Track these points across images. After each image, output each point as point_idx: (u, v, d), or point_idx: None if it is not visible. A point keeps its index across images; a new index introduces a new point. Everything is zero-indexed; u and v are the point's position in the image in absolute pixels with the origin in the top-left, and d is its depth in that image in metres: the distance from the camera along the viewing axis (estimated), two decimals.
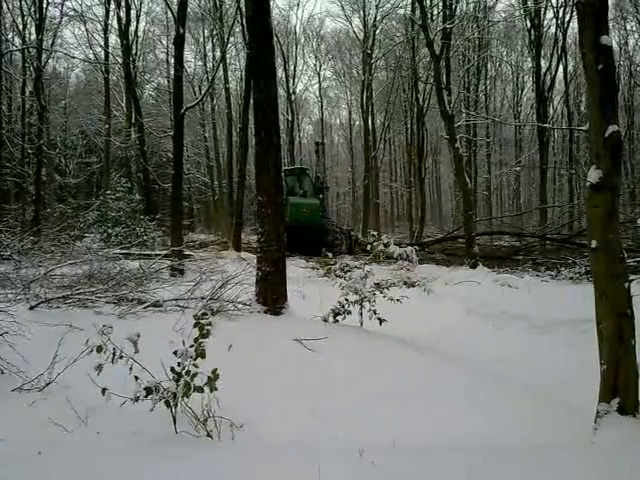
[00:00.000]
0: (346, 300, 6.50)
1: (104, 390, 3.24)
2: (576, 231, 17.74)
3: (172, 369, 3.34)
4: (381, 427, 3.78)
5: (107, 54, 23.71)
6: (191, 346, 3.43)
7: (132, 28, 23.40)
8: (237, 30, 23.52)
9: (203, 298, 6.12)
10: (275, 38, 28.45)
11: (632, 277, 9.68)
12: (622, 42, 30.74)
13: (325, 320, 6.50)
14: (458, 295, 9.94)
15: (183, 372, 3.33)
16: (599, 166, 3.56)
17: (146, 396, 3.27)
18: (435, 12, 22.50)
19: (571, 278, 11.96)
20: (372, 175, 30.96)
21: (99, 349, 3.30)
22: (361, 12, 29.94)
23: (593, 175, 3.56)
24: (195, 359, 3.38)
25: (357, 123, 39.59)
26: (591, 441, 3.50)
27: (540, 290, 10.54)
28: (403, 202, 41.92)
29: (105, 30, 23.54)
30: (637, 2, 27.58)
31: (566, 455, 3.20)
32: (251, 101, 12.41)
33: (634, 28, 29.55)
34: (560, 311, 7.69)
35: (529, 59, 30.18)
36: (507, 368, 5.54)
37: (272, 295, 6.38)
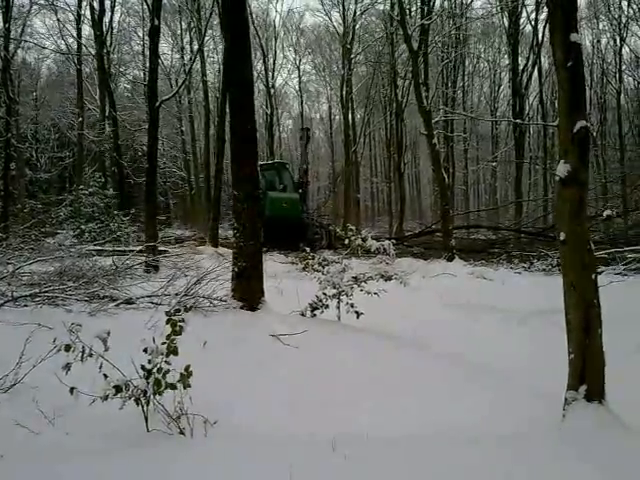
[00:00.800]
0: (324, 294, 6.51)
1: (72, 389, 3.18)
2: (550, 224, 18.05)
3: (142, 366, 3.29)
4: (356, 420, 3.79)
5: (80, 45, 23.16)
6: (163, 343, 3.38)
7: (106, 19, 23.02)
8: (215, 22, 23.26)
9: (177, 294, 6.05)
10: (254, 31, 28.40)
11: (602, 269, 10.03)
12: (595, 41, 31.34)
13: (303, 315, 6.49)
14: (435, 288, 10.04)
15: (155, 369, 3.29)
16: (568, 161, 3.62)
17: (115, 394, 3.21)
18: (413, 8, 22.63)
19: (544, 270, 12.22)
20: (353, 170, 31.03)
21: (67, 348, 3.24)
22: (340, 7, 30.01)
23: (562, 169, 3.62)
24: (167, 356, 3.34)
25: (337, 118, 39.61)
26: (559, 428, 3.59)
27: (514, 282, 10.74)
28: (383, 197, 42.09)
29: (78, 20, 23.03)
30: (609, 2, 28.08)
31: (535, 441, 3.27)
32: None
33: (606, 27, 30.13)
34: (532, 302, 7.84)
35: (506, 56, 30.59)
36: (481, 358, 5.60)
37: (249, 291, 6.33)
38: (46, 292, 6.05)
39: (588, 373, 3.62)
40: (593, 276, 3.68)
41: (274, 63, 35.18)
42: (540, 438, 3.34)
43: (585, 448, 3.11)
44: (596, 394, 3.60)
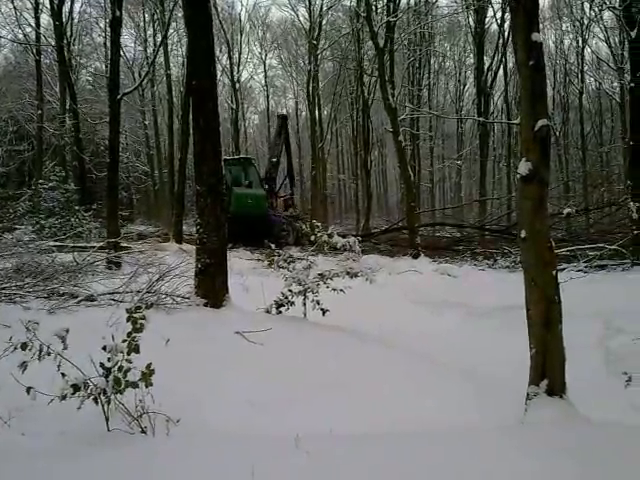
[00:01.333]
0: (289, 291, 6.49)
1: (29, 389, 3.09)
2: (513, 222, 18.37)
3: (101, 365, 3.22)
4: (321, 416, 3.78)
5: (38, 35, 22.43)
6: (124, 341, 3.33)
7: (66, 8, 22.27)
8: (179, 15, 22.89)
9: (139, 291, 5.94)
10: (219, 25, 28.06)
11: (564, 266, 10.27)
12: (558, 42, 32.07)
13: (268, 312, 6.46)
14: (400, 284, 10.14)
15: (115, 368, 3.23)
16: (529, 159, 3.68)
17: (73, 393, 3.13)
18: (380, 5, 22.72)
19: (507, 267, 12.45)
20: (320, 166, 31.01)
21: (24, 346, 3.16)
22: (307, 2, 29.93)
23: (523, 167, 3.67)
24: (128, 354, 3.28)
25: (304, 114, 39.54)
26: (521, 422, 3.65)
27: (477, 278, 10.92)
28: (350, 194, 42.26)
29: (36, 9, 22.21)
30: (571, 4, 28.75)
31: (496, 436, 3.31)
32: None
33: (569, 29, 30.84)
34: (495, 298, 7.99)
35: (471, 55, 31.02)
36: (446, 354, 5.69)
37: (212, 287, 6.25)
38: (3, 289, 5.89)
39: (549, 368, 3.70)
40: (554, 272, 3.76)
41: (239, 57, 34.99)
42: (503, 432, 3.39)
43: (546, 440, 3.16)
44: (557, 389, 3.68)
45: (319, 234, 6.88)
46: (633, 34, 11.49)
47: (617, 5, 14.45)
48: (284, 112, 26.11)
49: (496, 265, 12.93)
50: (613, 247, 11.32)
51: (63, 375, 3.14)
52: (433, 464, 2.73)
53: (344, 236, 7.34)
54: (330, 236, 6.85)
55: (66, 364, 3.19)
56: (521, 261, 4.16)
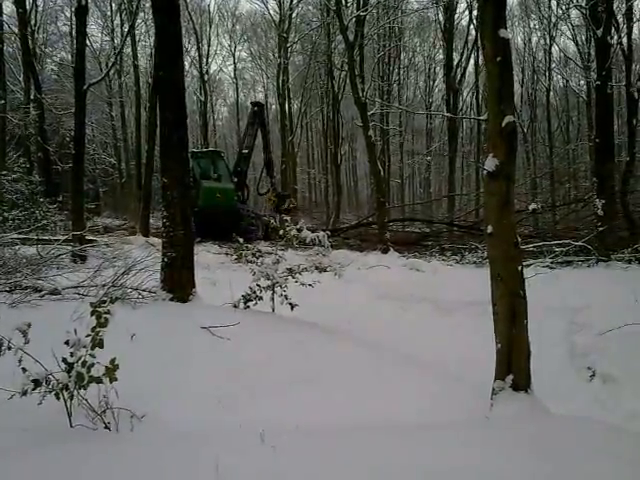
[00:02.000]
0: (258, 286, 6.44)
1: None
2: (481, 218, 18.64)
3: (64, 359, 3.16)
4: (287, 411, 3.77)
5: (1, 23, 21.67)
6: (88, 335, 3.27)
7: None
8: (147, 5, 22.48)
9: (105, 285, 5.82)
10: (188, 16, 27.66)
11: (531, 262, 10.46)
12: (526, 39, 32.58)
13: (236, 307, 6.40)
14: (369, 279, 10.17)
15: (78, 363, 3.17)
16: (495, 155, 3.70)
17: (34, 389, 3.07)
18: None
19: (474, 262, 12.61)
20: (289, 160, 30.90)
21: None
22: None
23: (490, 164, 3.70)
24: (92, 349, 3.23)
25: (274, 107, 39.30)
26: (486, 416, 3.68)
27: (445, 274, 11.02)
28: (320, 188, 42.25)
29: None
30: (539, 1, 29.21)
31: (463, 430, 3.34)
32: None
33: (537, 26, 31.34)
34: (463, 293, 8.06)
35: (441, 51, 31.26)
36: (414, 349, 5.73)
37: (179, 282, 6.16)
38: None
39: (514, 363, 3.74)
40: (519, 268, 3.80)
41: (208, 49, 34.65)
42: (469, 426, 3.42)
43: (510, 434, 3.20)
44: (522, 383, 3.73)
45: (288, 228, 6.84)
46: (599, 32, 11.70)
47: (584, 4, 14.72)
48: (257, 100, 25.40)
49: (464, 260, 13.09)
50: (579, 243, 11.60)
51: (24, 370, 3.08)
52: (399, 458, 2.73)
53: (314, 231, 7.32)
54: (299, 230, 6.82)
55: (28, 359, 3.12)
56: (487, 256, 4.20)
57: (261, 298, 6.44)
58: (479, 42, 25.76)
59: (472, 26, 26.52)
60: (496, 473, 2.58)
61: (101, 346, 3.26)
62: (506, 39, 3.75)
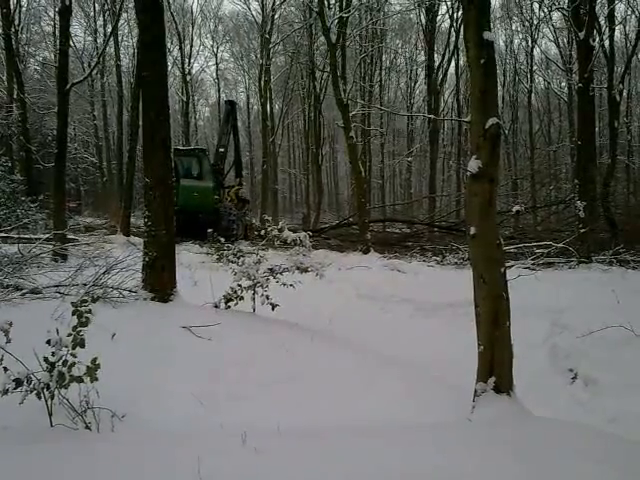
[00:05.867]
0: (239, 286, 6.39)
1: None
2: (462, 219, 18.78)
3: (45, 359, 3.14)
4: (269, 412, 3.74)
5: None
6: (69, 335, 3.25)
7: None
8: (130, 5, 22.34)
9: (86, 284, 5.75)
10: (171, 17, 27.44)
11: (512, 263, 10.54)
12: (508, 41, 33.00)
13: (217, 306, 6.35)
14: (350, 280, 10.16)
15: (60, 362, 3.16)
16: (479, 156, 3.72)
17: (15, 388, 3.05)
18: (332, 1, 22.67)
19: (455, 263, 12.68)
20: (271, 160, 30.81)
21: None
22: None
23: (473, 165, 3.71)
24: (73, 348, 3.22)
25: (255, 107, 39.21)
26: (468, 419, 3.69)
27: (426, 275, 11.07)
28: (301, 188, 42.23)
29: None
30: (521, 3, 29.55)
31: (444, 432, 3.34)
32: None
33: (519, 29, 31.76)
34: (444, 294, 8.09)
35: (422, 53, 31.45)
36: (395, 350, 5.73)
37: (160, 281, 6.10)
38: None
39: (497, 365, 3.74)
40: (502, 270, 3.81)
41: (191, 50, 34.67)
42: (450, 428, 3.42)
43: (493, 435, 3.22)
44: (504, 386, 3.73)
45: (269, 228, 6.82)
46: (581, 35, 11.84)
47: (566, 6, 14.90)
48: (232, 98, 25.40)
49: (445, 261, 13.15)
50: (560, 245, 11.73)
51: (5, 369, 3.06)
52: (380, 460, 2.72)
53: (295, 231, 7.31)
54: (280, 230, 6.81)
55: (9, 358, 3.10)
56: (470, 258, 4.21)
57: (242, 298, 6.40)
58: (462, 44, 26.03)
59: (453, 28, 26.74)
60: (477, 475, 2.59)
61: (82, 345, 3.26)
62: (490, 41, 3.76)
